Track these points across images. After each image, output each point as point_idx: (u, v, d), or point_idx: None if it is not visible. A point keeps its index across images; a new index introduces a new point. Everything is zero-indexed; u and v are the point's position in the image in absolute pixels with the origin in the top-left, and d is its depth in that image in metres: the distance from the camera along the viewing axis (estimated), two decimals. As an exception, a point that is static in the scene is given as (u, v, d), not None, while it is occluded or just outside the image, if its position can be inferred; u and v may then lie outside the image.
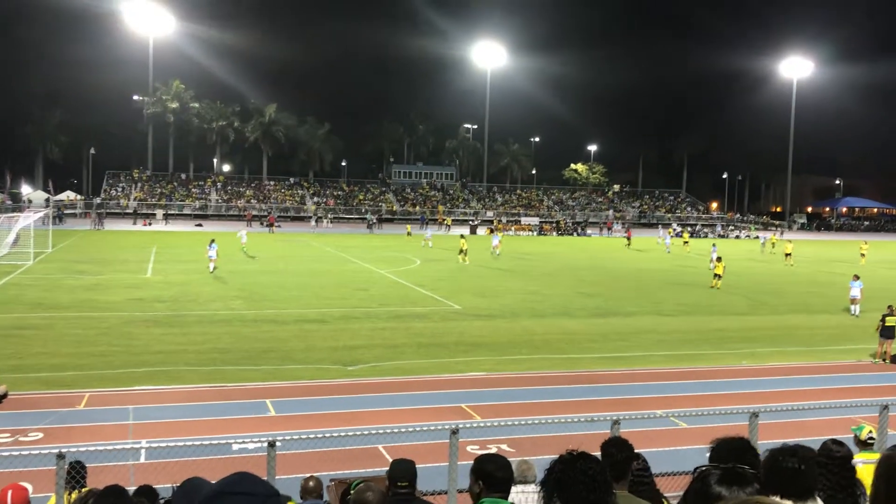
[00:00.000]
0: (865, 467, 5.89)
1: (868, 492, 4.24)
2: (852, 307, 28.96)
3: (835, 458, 5.63)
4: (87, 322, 23.37)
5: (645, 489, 5.94)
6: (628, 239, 66.19)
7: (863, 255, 54.19)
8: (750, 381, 18.40)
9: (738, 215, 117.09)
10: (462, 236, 49.89)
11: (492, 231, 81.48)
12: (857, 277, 29.34)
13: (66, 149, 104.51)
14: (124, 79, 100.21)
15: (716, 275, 36.51)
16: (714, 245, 49.80)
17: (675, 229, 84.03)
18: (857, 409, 13.96)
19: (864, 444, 8.15)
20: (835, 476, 5.41)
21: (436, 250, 52.76)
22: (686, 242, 64.97)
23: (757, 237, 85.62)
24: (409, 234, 70.22)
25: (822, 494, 4.58)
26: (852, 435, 8.30)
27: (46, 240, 46.25)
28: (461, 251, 45.97)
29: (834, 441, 5.99)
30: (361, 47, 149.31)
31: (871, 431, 8.42)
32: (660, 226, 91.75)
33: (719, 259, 37.47)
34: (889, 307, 21.67)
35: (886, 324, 21.08)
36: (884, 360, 21.01)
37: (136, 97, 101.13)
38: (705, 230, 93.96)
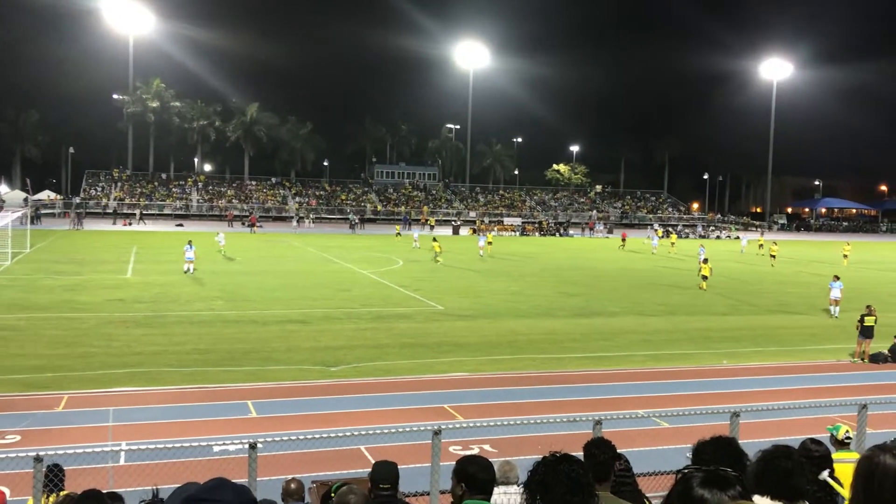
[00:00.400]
0: (843, 466, 5.95)
1: (845, 490, 4.28)
2: (832, 308, 28.99)
3: (813, 458, 5.69)
4: (66, 323, 23.15)
5: (627, 490, 5.96)
6: (623, 240, 65.76)
7: (845, 255, 53.97)
8: (731, 381, 18.52)
9: (718, 216, 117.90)
10: (434, 238, 49.52)
11: (475, 231, 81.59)
12: (836, 278, 29.35)
13: (44, 148, 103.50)
14: (104, 77, 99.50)
15: (703, 276, 36.38)
16: (702, 246, 49.48)
17: (663, 230, 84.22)
18: (836, 409, 14.08)
19: (841, 444, 8.22)
20: (813, 475, 5.45)
21: (421, 251, 52.68)
22: (673, 244, 64.95)
23: (738, 238, 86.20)
24: (398, 234, 69.46)
25: (809, 496, 4.59)
26: (829, 435, 8.37)
27: (24, 240, 45.78)
28: (436, 254, 45.68)
29: (812, 440, 6.05)
30: (344, 47, 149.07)
31: (847, 431, 8.49)
32: (649, 227, 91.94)
33: (706, 261, 37.45)
34: (868, 307, 21.90)
35: (865, 323, 21.29)
36: (862, 359, 21.23)
37: (116, 96, 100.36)
38: (686, 230, 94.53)
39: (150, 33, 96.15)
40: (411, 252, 52.15)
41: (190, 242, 37.15)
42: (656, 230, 79.83)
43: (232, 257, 44.59)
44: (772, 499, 3.65)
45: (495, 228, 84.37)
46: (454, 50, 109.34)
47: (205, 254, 43.35)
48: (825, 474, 5.73)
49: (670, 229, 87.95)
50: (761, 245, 63.04)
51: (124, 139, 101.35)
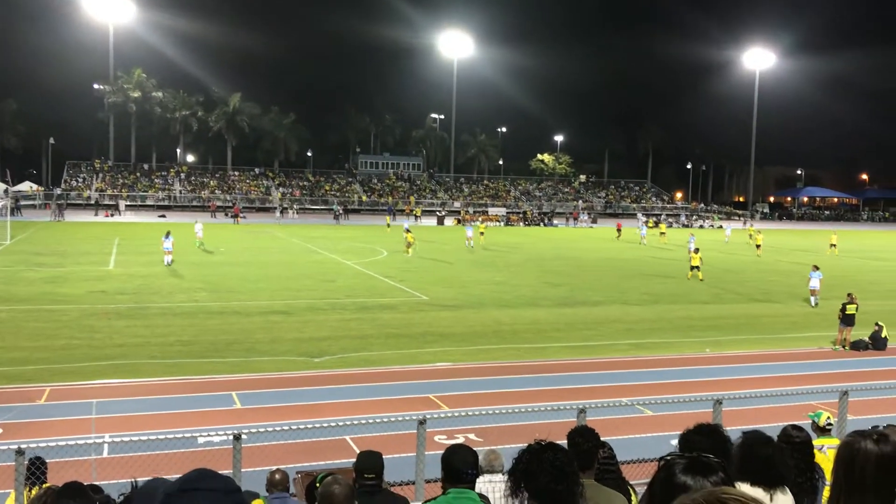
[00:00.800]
0: (823, 452, 6.01)
1: (827, 476, 4.33)
2: (812, 298, 28.79)
3: (795, 443, 5.74)
4: (47, 315, 22.98)
5: (611, 477, 5.99)
6: (618, 230, 65.18)
7: (833, 245, 53.49)
8: (713, 369, 18.65)
9: (702, 205, 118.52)
10: (408, 230, 48.16)
11: (459, 221, 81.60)
12: (816, 268, 29.08)
13: (24, 138, 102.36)
14: (84, 67, 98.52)
15: (693, 266, 35.97)
16: (692, 235, 49.01)
17: (654, 220, 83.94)
18: (817, 396, 14.23)
19: (823, 430, 8.30)
20: (794, 461, 5.51)
21: (424, 242, 51.93)
22: (663, 233, 64.33)
23: (721, 227, 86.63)
24: (388, 226, 67.65)
25: (790, 482, 4.64)
26: (810, 421, 8.45)
27: (4, 231, 45.35)
28: (408, 245, 44.30)
29: (794, 426, 6.09)
30: (327, 36, 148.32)
31: (829, 417, 8.58)
32: (639, 217, 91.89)
33: (696, 250, 37.12)
34: (849, 295, 22.11)
35: (847, 311, 21.49)
36: (844, 346, 21.44)
37: (96, 86, 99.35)
38: (670, 220, 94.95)
39: (131, 22, 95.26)
40: (398, 243, 52.03)
41: (168, 233, 36.34)
42: (646, 221, 79.77)
43: (210, 250, 43.65)
44: (752, 485, 3.69)
45: (480, 218, 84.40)
46: (438, 39, 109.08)
47: (187, 245, 43.10)
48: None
49: (660, 219, 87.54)
50: (751, 235, 61.25)
51: (105, 129, 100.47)
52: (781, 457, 4.19)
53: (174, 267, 34.69)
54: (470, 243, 50.59)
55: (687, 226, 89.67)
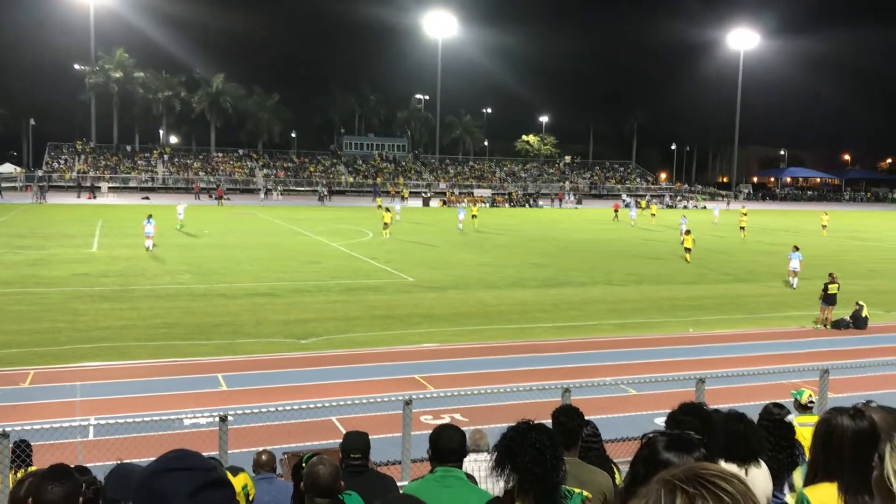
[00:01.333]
0: (805, 429, 6.08)
1: (806, 452, 4.39)
2: (791, 279, 28.40)
3: (776, 421, 5.82)
4: (30, 298, 22.82)
5: (595, 455, 6.05)
6: (616, 212, 64.48)
7: (824, 226, 53.06)
8: (697, 348, 18.81)
9: (686, 186, 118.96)
10: (387, 209, 46.78)
11: (445, 203, 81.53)
12: (796, 249, 28.62)
13: (4, 120, 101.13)
14: (65, 48, 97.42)
15: (686, 248, 35.49)
16: (684, 217, 48.39)
17: (646, 200, 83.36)
18: (799, 374, 14.39)
19: (804, 408, 8.41)
20: (775, 437, 5.59)
21: (401, 224, 51.80)
22: (654, 215, 63.67)
23: (704, 207, 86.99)
24: (379, 207, 62.84)
25: (764, 456, 4.72)
26: (792, 399, 8.55)
27: (-14, 214, 44.89)
28: (385, 225, 43.62)
29: (775, 404, 6.18)
30: (311, 16, 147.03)
31: (810, 395, 8.68)
32: (632, 198, 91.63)
33: (688, 232, 36.75)
34: (830, 275, 22.33)
35: (828, 291, 21.70)
36: (825, 325, 21.66)
37: (77, 66, 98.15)
38: (654, 200, 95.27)
39: (111, 2, 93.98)
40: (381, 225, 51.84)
41: (150, 217, 34.88)
42: (638, 202, 79.47)
43: (191, 232, 42.91)
44: (726, 461, 3.75)
45: (465, 200, 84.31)
46: (423, 19, 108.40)
47: (169, 228, 42.85)
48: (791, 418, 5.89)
49: (651, 200, 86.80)
50: (745, 214, 58.52)
51: (87, 111, 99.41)
52: (754, 433, 4.27)
53: (159, 249, 34.43)
54: (461, 226, 49.83)
55: (671, 206, 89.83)
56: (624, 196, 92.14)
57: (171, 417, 10.00)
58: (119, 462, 1.92)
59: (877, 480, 2.14)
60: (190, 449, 1.85)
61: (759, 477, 4.24)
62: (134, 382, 14.85)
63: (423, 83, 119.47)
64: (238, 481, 6.64)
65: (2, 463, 7.61)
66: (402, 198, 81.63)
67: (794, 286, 28.08)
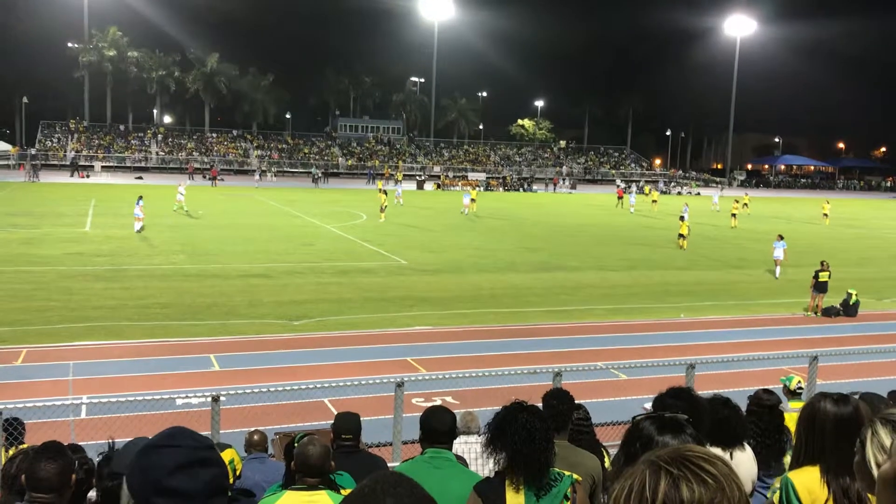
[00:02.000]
0: (793, 415, 6.13)
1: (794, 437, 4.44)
2: (776, 269, 27.72)
3: (765, 406, 5.87)
4: (23, 276, 22.76)
5: (585, 438, 6.10)
6: (619, 198, 62.78)
7: (825, 215, 52.18)
8: (688, 334, 18.90)
9: (680, 172, 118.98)
10: (384, 192, 45.96)
11: (439, 186, 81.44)
12: (780, 238, 28.06)
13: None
14: (58, 25, 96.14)
15: (680, 234, 35.25)
16: (686, 205, 46.74)
17: (649, 187, 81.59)
18: (788, 360, 14.49)
19: (794, 394, 8.47)
20: (764, 423, 5.64)
21: (405, 208, 51.39)
22: (655, 201, 61.31)
23: (698, 193, 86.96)
24: (380, 190, 57.64)
25: (753, 441, 4.77)
26: (781, 385, 8.62)
27: (-22, 192, 44.67)
28: (382, 208, 43.12)
29: (765, 390, 6.23)
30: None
31: (799, 382, 8.75)
32: (617, 181, 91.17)
33: (682, 218, 36.32)
34: (822, 263, 22.44)
35: (819, 279, 21.80)
36: (815, 313, 21.78)
37: (70, 44, 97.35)
38: (649, 186, 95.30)
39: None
40: (377, 206, 51.73)
41: (140, 198, 34.07)
42: (642, 188, 78.62)
43: (193, 214, 42.32)
44: (711, 445, 3.79)
45: (460, 183, 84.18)
46: (419, 1, 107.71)
47: (165, 208, 42.65)
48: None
49: (651, 186, 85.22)
50: (746, 204, 57.69)
51: (80, 89, 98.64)
52: (738, 417, 4.32)
53: (152, 230, 34.20)
54: (466, 210, 49.02)
55: (665, 192, 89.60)
56: (618, 181, 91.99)
57: (164, 397, 10.02)
58: (136, 438, 1.97)
59: (858, 465, 2.18)
60: (184, 426, 1.88)
61: (743, 460, 4.29)
62: (126, 362, 14.86)
63: (418, 66, 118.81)
64: (225, 455, 6.66)
65: (-6, 440, 7.63)
66: (396, 181, 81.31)
67: (777, 276, 27.53)
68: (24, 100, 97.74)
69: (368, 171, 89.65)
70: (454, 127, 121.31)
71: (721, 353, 15.69)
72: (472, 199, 51.45)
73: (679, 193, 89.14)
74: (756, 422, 5.60)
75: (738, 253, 35.01)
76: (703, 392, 4.97)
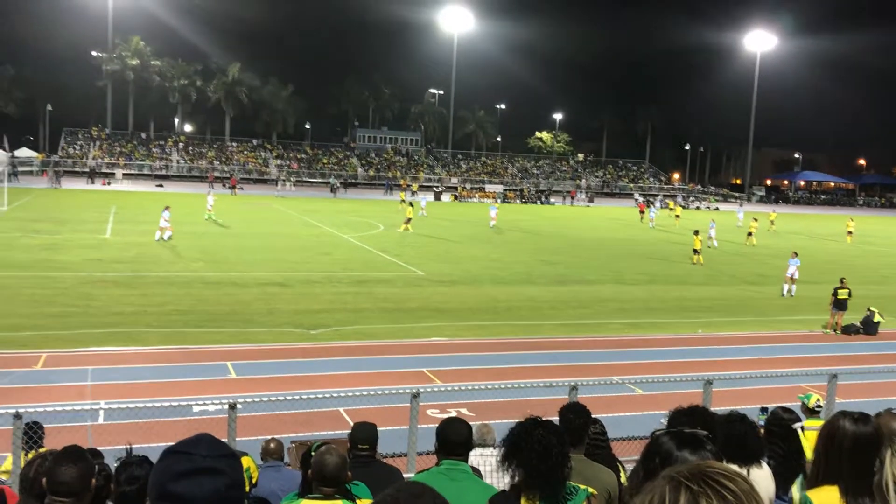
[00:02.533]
0: (812, 433, 6.08)
1: (808, 455, 4.41)
2: (786, 286, 27.00)
3: (783, 425, 5.82)
4: (44, 282, 22.99)
5: (601, 453, 6.07)
6: (641, 212, 61.47)
7: (850, 232, 50.85)
8: (705, 350, 18.78)
9: (699, 187, 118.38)
10: (410, 203, 46.09)
11: (456, 198, 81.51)
12: (795, 255, 27.53)
13: (21, 105, 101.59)
14: (83, 33, 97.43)
15: (694, 250, 34.57)
16: (713, 221, 44.44)
17: (674, 200, 79.90)
18: (807, 378, 14.35)
19: (812, 412, 8.39)
20: (782, 440, 5.59)
21: (428, 219, 50.95)
22: (678, 216, 59.28)
23: (717, 208, 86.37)
24: (402, 201, 57.29)
25: (765, 457, 4.73)
26: (799, 403, 8.55)
27: (2, 197, 45.19)
28: (407, 220, 42.91)
29: (783, 408, 6.18)
30: (328, 8, 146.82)
31: (818, 400, 8.67)
32: (635, 195, 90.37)
33: (696, 232, 35.54)
34: (841, 280, 22.24)
35: (839, 296, 21.61)
36: (835, 330, 21.58)
37: (94, 53, 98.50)
38: (666, 200, 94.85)
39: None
40: (395, 216, 51.84)
41: (167, 208, 34.13)
42: (666, 202, 77.41)
43: (222, 223, 42.14)
44: (727, 461, 3.76)
45: (477, 195, 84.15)
46: (439, 14, 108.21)
47: (192, 216, 42.89)
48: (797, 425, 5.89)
49: (672, 202, 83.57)
50: (773, 221, 56.48)
51: (103, 97, 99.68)
52: (754, 434, 4.29)
53: (173, 238, 34.18)
54: (492, 223, 48.21)
55: (684, 207, 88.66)
56: (636, 195, 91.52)
57: (181, 404, 10.09)
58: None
59: (877, 485, 2.17)
60: (212, 436, 1.90)
61: (761, 478, 4.26)
62: (144, 368, 14.96)
63: (437, 78, 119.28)
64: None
65: (14, 444, 7.70)
66: (412, 192, 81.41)
67: (793, 293, 26.85)
68: (49, 107, 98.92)
69: (385, 182, 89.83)
70: (472, 139, 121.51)
71: (738, 370, 15.58)
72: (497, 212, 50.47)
73: (697, 208, 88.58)
74: (774, 440, 5.55)
75: (758, 269, 34.74)
76: (720, 409, 4.94)
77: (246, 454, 7.21)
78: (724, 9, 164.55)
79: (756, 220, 49.17)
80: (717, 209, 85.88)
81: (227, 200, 61.55)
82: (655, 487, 1.48)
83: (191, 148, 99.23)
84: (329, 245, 35.30)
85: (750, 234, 46.22)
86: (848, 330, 21.52)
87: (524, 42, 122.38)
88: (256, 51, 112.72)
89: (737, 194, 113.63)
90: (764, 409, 6.10)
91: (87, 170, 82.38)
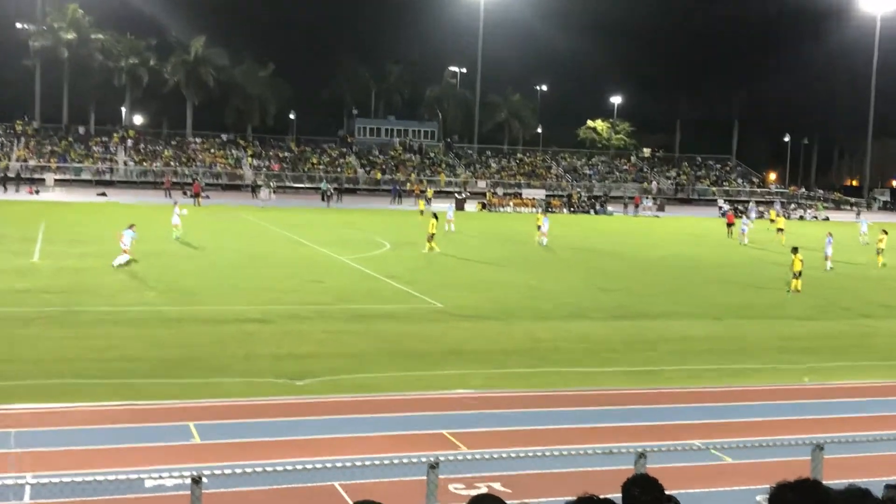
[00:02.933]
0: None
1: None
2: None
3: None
4: (-46, 319, 23.21)
5: (677, 541, 6.02)
6: (729, 225, 60.44)
7: None
8: (813, 404, 18.60)
9: (802, 190, 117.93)
10: (434, 215, 45.96)
11: (484, 206, 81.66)
12: (830, 234, 26.44)
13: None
14: (5, 2, 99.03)
15: (795, 273, 33.79)
16: (830, 235, 43.09)
17: (775, 210, 78.19)
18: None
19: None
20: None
21: (457, 235, 50.76)
22: (780, 230, 57.25)
23: (826, 218, 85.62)
24: (422, 212, 60.34)
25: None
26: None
27: None
28: (430, 236, 43.03)
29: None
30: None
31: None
32: (720, 202, 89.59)
33: (795, 250, 34.62)
34: None
35: None
36: (985, 378, 21.28)
37: (19, 25, 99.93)
38: (760, 208, 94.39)
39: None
40: (409, 231, 51.93)
41: (131, 226, 34.32)
42: (762, 212, 76.51)
43: (191, 243, 42.43)
44: None
45: (510, 203, 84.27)
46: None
47: (141, 232, 43.10)
48: None
49: (774, 210, 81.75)
50: (885, 231, 51.81)
51: (30, 81, 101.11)
52: None
53: (116, 268, 33.89)
54: (544, 239, 47.88)
55: (786, 216, 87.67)
56: (721, 202, 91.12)
57: (130, 477, 10.10)
58: None
59: None
60: None
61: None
62: (83, 431, 15.01)
63: (459, 53, 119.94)
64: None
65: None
66: (427, 199, 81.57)
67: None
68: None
69: (392, 188, 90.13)
70: (504, 130, 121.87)
71: (856, 430, 15.41)
72: (539, 226, 49.70)
73: (801, 217, 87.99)
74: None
75: (881, 297, 34.42)
76: (835, 482, 4.89)
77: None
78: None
79: (886, 232, 48.00)
80: (826, 219, 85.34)
81: (189, 212, 61.93)
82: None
83: (142, 146, 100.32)
84: (320, 269, 35.41)
85: (879, 251, 45.26)
86: None
87: (571, 7, 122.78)
88: (226, 21, 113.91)
89: (853, 200, 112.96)
90: (890, 487, 5.98)
91: (9, 174, 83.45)
